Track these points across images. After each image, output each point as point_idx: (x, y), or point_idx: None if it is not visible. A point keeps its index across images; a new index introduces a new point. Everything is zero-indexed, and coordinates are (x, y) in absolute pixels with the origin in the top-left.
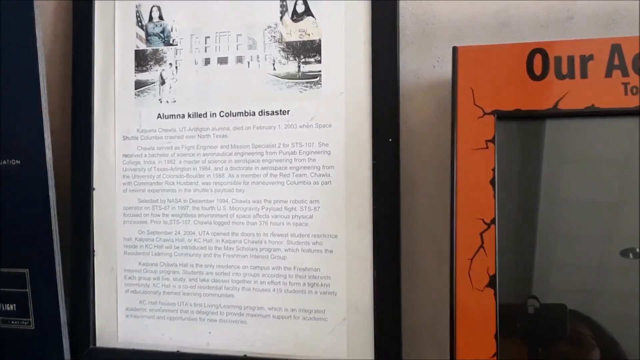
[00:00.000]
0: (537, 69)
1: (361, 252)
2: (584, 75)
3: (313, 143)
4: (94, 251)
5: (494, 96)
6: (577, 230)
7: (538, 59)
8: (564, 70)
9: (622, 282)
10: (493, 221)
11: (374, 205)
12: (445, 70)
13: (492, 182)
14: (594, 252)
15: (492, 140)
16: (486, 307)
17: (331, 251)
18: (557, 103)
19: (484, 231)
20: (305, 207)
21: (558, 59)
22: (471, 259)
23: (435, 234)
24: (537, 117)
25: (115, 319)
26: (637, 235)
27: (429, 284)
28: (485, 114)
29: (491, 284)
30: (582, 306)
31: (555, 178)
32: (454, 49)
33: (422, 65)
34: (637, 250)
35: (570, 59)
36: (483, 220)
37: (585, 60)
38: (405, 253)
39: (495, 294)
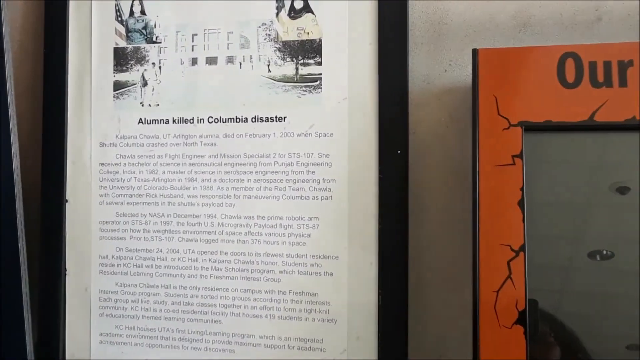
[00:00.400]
0: (570, 76)
1: (365, 275)
2: (622, 83)
3: (312, 154)
4: (65, 270)
5: (521, 105)
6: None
7: (570, 64)
8: (600, 78)
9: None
10: (522, 248)
11: (379, 224)
12: (458, 74)
13: (521, 203)
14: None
15: (520, 156)
16: (515, 347)
17: (331, 274)
18: (593, 114)
19: (511, 259)
20: (303, 224)
21: (593, 65)
22: (497, 292)
23: (447, 258)
24: (570, 129)
25: (88, 346)
26: None
27: (439, 315)
28: (511, 125)
29: (520, 320)
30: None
31: (591, 199)
32: (475, 52)
33: (433, 69)
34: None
35: (607, 65)
36: (510, 247)
37: (624, 66)
38: (414, 278)
39: (525, 333)
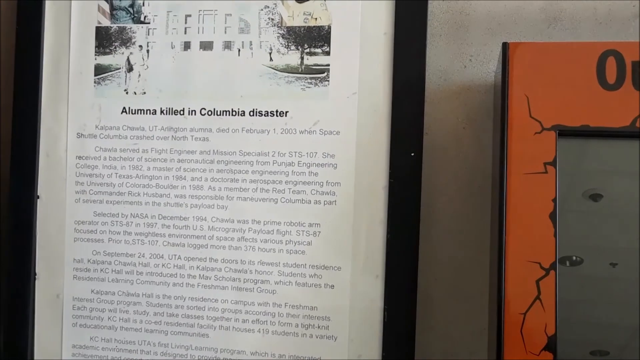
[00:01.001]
0: (611, 77)
1: (369, 289)
2: None
3: (316, 153)
4: (35, 274)
5: (556, 108)
6: None
7: (611, 64)
8: None
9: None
10: (553, 266)
11: (387, 233)
12: (479, 71)
13: (552, 216)
14: None
15: (553, 163)
16: None
17: (332, 286)
18: (635, 120)
19: (541, 278)
20: (303, 231)
21: (636, 65)
22: (524, 314)
23: (459, 273)
24: (609, 136)
25: (59, 358)
26: None
27: (448, 334)
28: (544, 129)
29: (549, 346)
30: None
31: (630, 209)
32: (505, 46)
33: (451, 63)
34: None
35: None
36: (540, 264)
37: None
38: (421, 294)
39: None
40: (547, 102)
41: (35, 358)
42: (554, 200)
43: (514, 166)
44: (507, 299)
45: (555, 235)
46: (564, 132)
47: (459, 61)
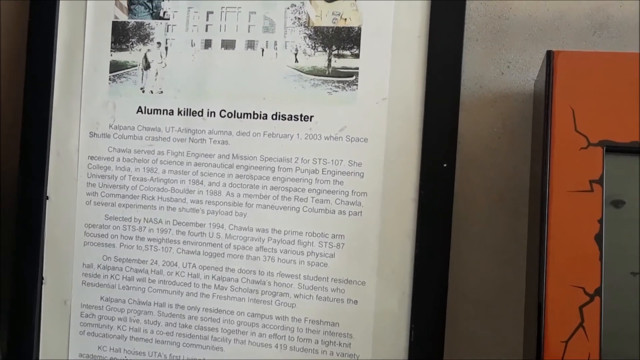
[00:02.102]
0: None
1: (395, 306)
2: None
3: (342, 161)
4: (42, 278)
5: (604, 122)
6: None
7: None
8: None
9: None
10: (598, 292)
11: (416, 248)
12: (517, 78)
13: (598, 238)
14: None
15: (599, 181)
16: None
17: (355, 302)
18: None
19: (584, 304)
20: (326, 242)
21: None
22: (566, 342)
23: (490, 291)
24: None
25: None
26: None
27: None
28: (590, 144)
29: None
30: None
31: None
32: (550, 54)
33: (487, 70)
34: None
35: None
36: (584, 289)
37: None
38: (451, 313)
39: None
40: (594, 116)
41: None
42: (600, 221)
43: (557, 183)
44: (547, 326)
45: (600, 259)
46: (612, 148)
47: (496, 67)
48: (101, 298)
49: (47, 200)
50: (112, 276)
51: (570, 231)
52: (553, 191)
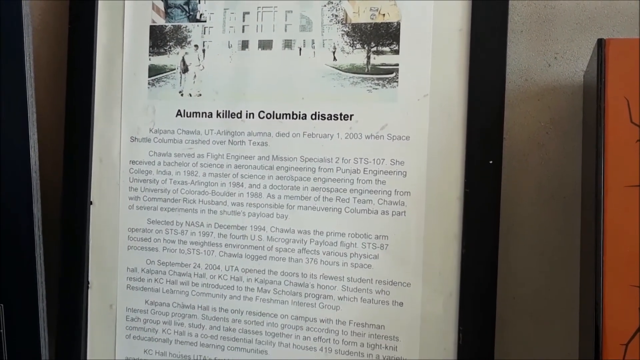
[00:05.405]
0: None
1: (442, 308)
2: None
3: (383, 160)
4: (88, 283)
5: None
6: None
7: None
8: None
9: None
10: None
11: (462, 248)
12: (565, 70)
13: None
14: None
15: None
16: None
17: (401, 304)
18: None
19: None
20: (369, 244)
21: None
22: (626, 345)
23: (543, 296)
24: None
25: None
26: None
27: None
28: None
29: None
30: None
31: None
32: (601, 42)
33: (533, 62)
34: None
35: None
36: None
37: None
38: (500, 315)
39: None
40: None
41: None
42: None
43: (613, 178)
44: (605, 328)
45: None
46: None
47: (542, 59)
48: (146, 302)
49: (91, 206)
50: (156, 280)
51: (628, 228)
52: (608, 186)
